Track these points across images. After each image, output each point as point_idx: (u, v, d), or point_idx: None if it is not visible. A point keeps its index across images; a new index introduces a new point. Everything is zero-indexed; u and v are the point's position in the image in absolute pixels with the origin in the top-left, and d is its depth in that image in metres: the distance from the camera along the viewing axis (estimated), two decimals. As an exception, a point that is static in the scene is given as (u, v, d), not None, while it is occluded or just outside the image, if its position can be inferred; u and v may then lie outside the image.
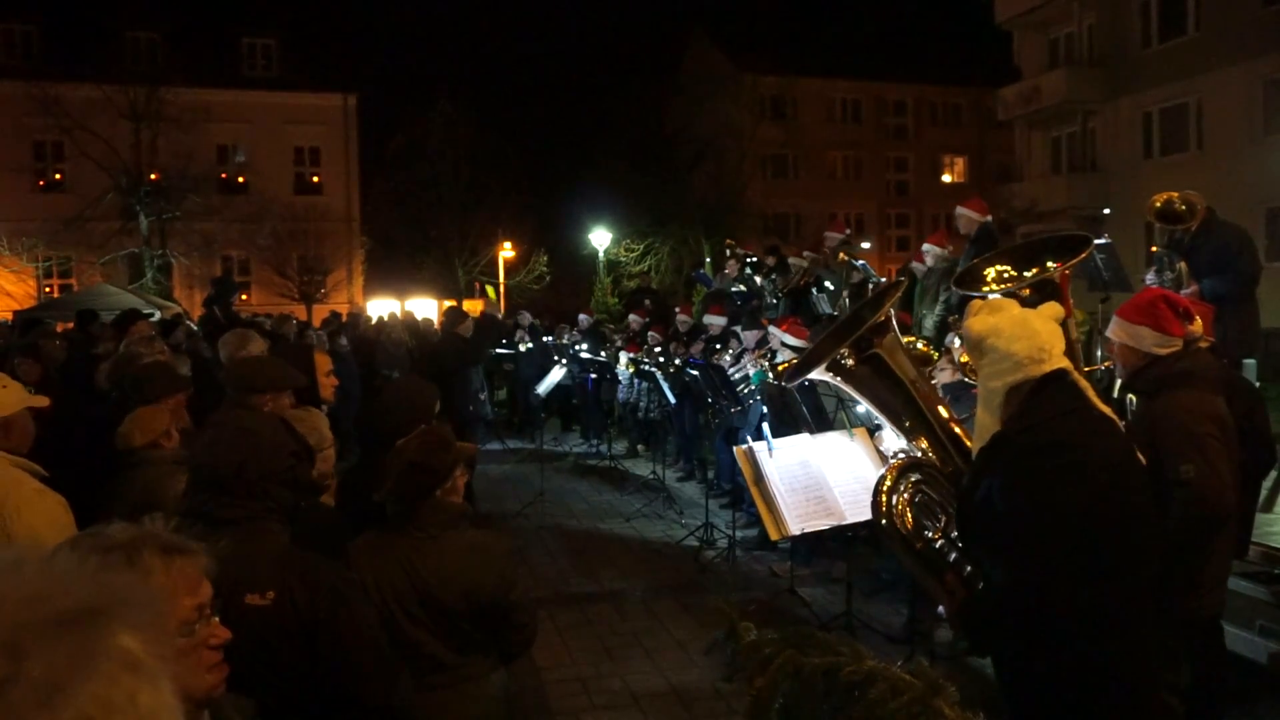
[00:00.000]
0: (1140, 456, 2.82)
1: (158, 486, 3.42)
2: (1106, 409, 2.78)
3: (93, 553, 1.41)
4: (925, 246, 9.18)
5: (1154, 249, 6.82)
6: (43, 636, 0.83)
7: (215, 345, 8.28)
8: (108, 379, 5.31)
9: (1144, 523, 2.68)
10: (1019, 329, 2.69)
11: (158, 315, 15.94)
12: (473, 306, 15.69)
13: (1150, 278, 6.72)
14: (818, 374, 3.39)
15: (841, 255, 10.67)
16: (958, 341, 5.64)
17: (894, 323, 3.28)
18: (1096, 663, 2.56)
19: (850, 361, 3.25)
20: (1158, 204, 6.49)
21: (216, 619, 1.61)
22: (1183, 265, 6.46)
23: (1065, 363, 2.71)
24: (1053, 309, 2.85)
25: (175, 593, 1.52)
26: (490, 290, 19.30)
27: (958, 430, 3.18)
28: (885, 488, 2.98)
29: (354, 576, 2.72)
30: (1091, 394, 2.73)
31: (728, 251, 13.93)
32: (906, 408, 3.23)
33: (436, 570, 2.82)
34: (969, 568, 2.88)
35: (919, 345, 6.78)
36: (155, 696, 0.87)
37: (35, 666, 0.80)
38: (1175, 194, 6.50)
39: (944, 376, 6.17)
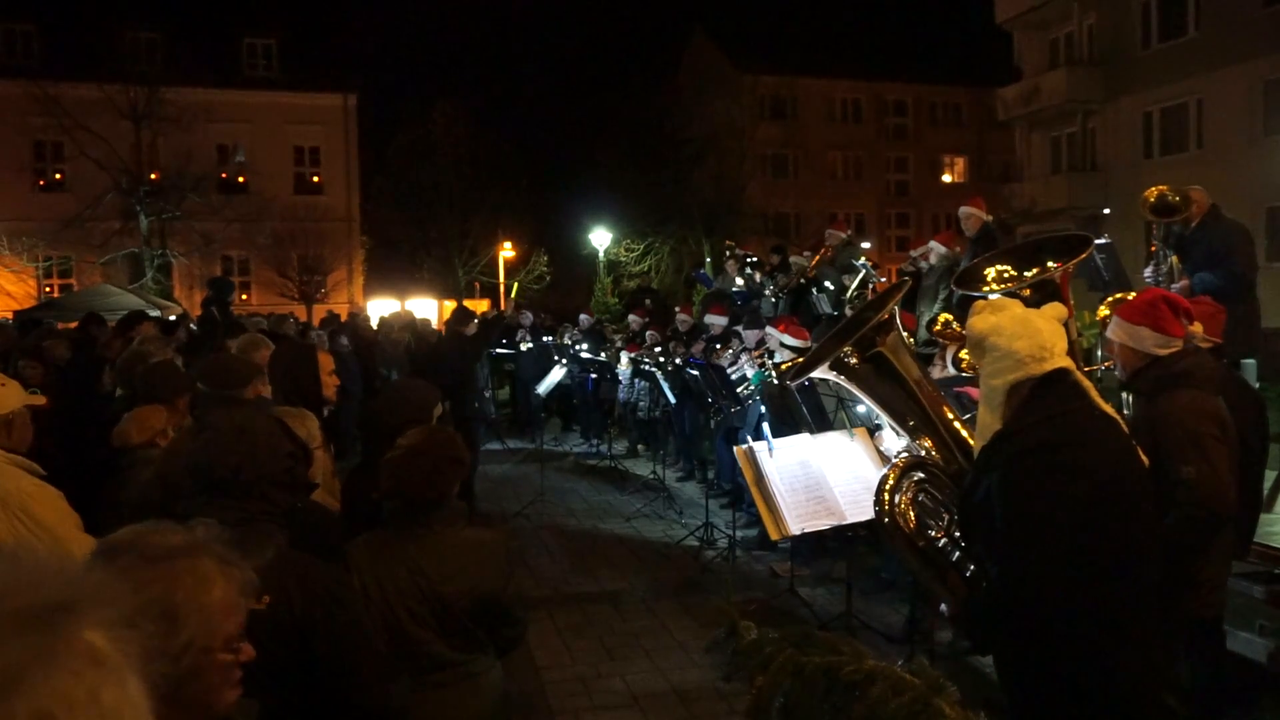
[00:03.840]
0: (1142, 456, 2.82)
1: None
2: (1108, 408, 2.78)
3: (142, 559, 1.38)
4: (931, 244, 9.17)
5: (1154, 247, 6.80)
6: (2, 630, 0.83)
7: (213, 345, 8.28)
8: (115, 378, 5.31)
9: (1142, 522, 2.67)
10: (1021, 327, 2.69)
11: (157, 314, 15.93)
12: (475, 306, 15.72)
13: (1148, 273, 6.71)
14: (821, 373, 3.39)
15: (866, 259, 10.63)
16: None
17: (898, 322, 3.28)
18: (1095, 662, 2.55)
19: (854, 360, 3.25)
20: (1151, 198, 6.47)
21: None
22: (1174, 260, 6.44)
23: (1067, 362, 2.70)
24: (1055, 309, 2.85)
25: (231, 607, 1.46)
26: (514, 288, 19.54)
27: (961, 430, 3.18)
28: (888, 487, 2.98)
29: (350, 578, 2.71)
30: (1094, 393, 2.73)
31: (727, 252, 13.93)
32: (910, 407, 3.22)
33: (439, 568, 2.81)
34: (971, 567, 2.88)
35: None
36: (120, 694, 0.87)
37: None
38: (1166, 187, 6.48)
39: (935, 373, 6.18)
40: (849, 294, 9.99)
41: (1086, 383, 2.75)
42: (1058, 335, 2.72)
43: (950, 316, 6.37)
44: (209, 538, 1.50)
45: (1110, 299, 5.17)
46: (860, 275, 10.13)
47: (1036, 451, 2.60)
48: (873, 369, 3.24)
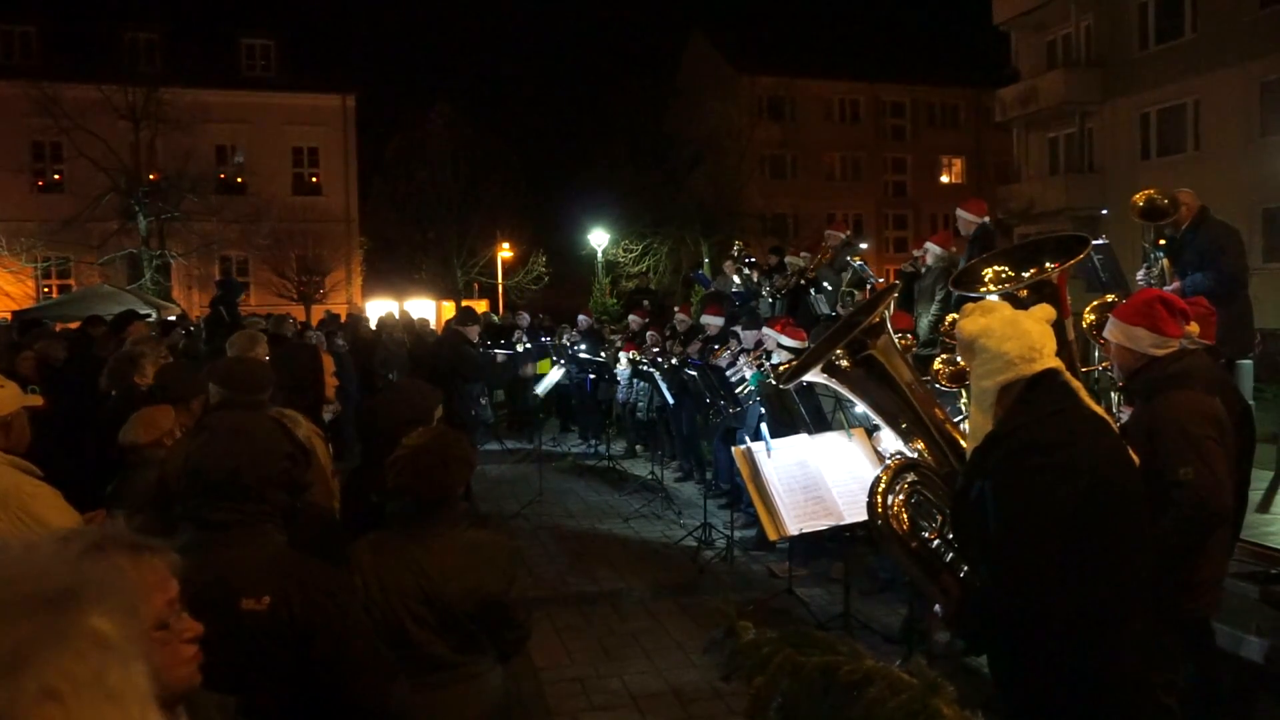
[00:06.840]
0: (1134, 456, 2.83)
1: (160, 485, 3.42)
2: (1098, 408, 2.79)
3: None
4: (927, 245, 9.16)
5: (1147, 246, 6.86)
6: (12, 614, 0.87)
7: (216, 345, 8.28)
8: (107, 379, 5.31)
9: (1134, 522, 2.68)
10: (1010, 329, 2.71)
11: (154, 316, 15.94)
12: (474, 306, 15.73)
13: (1140, 275, 6.76)
14: (813, 376, 3.41)
15: (858, 257, 10.59)
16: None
17: (889, 325, 3.30)
18: (1088, 661, 2.57)
19: (845, 363, 3.27)
20: (1140, 202, 6.53)
21: (186, 613, 1.62)
22: (1165, 262, 6.48)
23: (1056, 362, 2.72)
24: (1044, 310, 2.87)
25: (148, 588, 1.52)
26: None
27: (953, 431, 3.19)
28: (881, 488, 2.99)
29: (349, 579, 2.70)
30: (1083, 393, 2.75)
31: (735, 252, 13.93)
32: (902, 409, 3.24)
33: (442, 569, 2.81)
34: (964, 568, 2.89)
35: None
36: (124, 676, 0.91)
37: (1, 640, 0.85)
38: (1155, 190, 6.54)
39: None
40: (841, 293, 10.01)
41: (1076, 383, 2.76)
42: (1046, 336, 2.74)
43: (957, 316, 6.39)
44: (113, 530, 1.55)
45: (1092, 305, 5.19)
46: (856, 276, 10.14)
47: (1028, 452, 2.62)
48: (864, 372, 3.26)
